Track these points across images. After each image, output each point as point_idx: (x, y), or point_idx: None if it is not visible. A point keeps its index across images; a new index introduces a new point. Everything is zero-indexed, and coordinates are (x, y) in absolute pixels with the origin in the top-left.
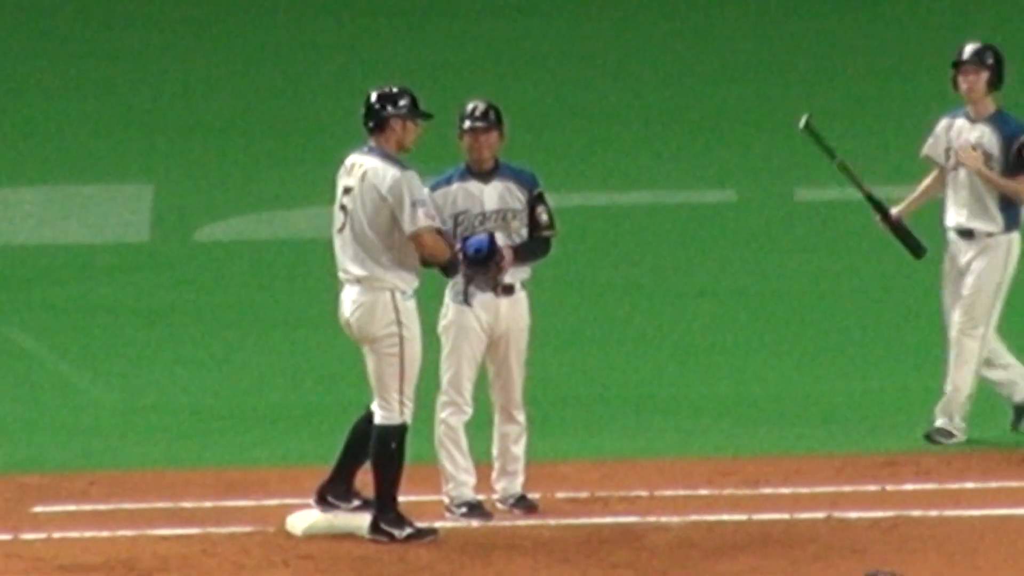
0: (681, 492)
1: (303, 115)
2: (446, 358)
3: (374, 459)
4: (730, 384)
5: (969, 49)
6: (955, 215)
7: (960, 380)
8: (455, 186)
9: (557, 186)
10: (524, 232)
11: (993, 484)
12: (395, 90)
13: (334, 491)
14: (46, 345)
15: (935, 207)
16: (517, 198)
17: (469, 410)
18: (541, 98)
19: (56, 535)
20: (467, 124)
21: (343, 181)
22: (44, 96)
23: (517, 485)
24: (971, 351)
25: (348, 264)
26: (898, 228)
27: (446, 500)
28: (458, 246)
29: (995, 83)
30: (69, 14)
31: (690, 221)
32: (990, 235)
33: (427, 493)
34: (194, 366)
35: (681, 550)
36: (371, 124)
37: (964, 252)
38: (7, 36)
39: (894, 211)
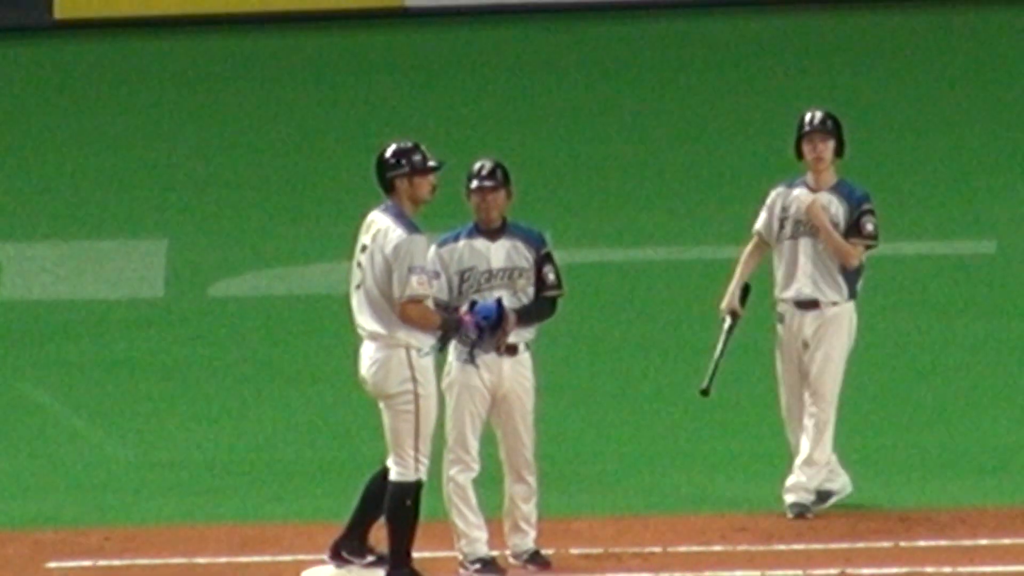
0: (695, 548)
1: (318, 171)
2: (450, 416)
3: (388, 515)
4: (744, 440)
5: (815, 116)
6: (795, 286)
7: (820, 453)
8: (462, 243)
9: (571, 242)
10: (530, 291)
11: (1006, 541)
12: (399, 148)
13: (348, 546)
14: (60, 401)
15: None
16: (524, 257)
17: (476, 467)
18: (556, 153)
19: None
20: (475, 184)
21: (361, 238)
22: (58, 151)
23: (529, 541)
24: (827, 423)
25: (364, 321)
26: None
27: (460, 556)
28: (464, 308)
29: (839, 151)
30: (84, 69)
31: (704, 277)
32: (835, 304)
33: (441, 549)
34: (208, 422)
35: None
36: (380, 186)
37: (807, 324)
38: (22, 91)
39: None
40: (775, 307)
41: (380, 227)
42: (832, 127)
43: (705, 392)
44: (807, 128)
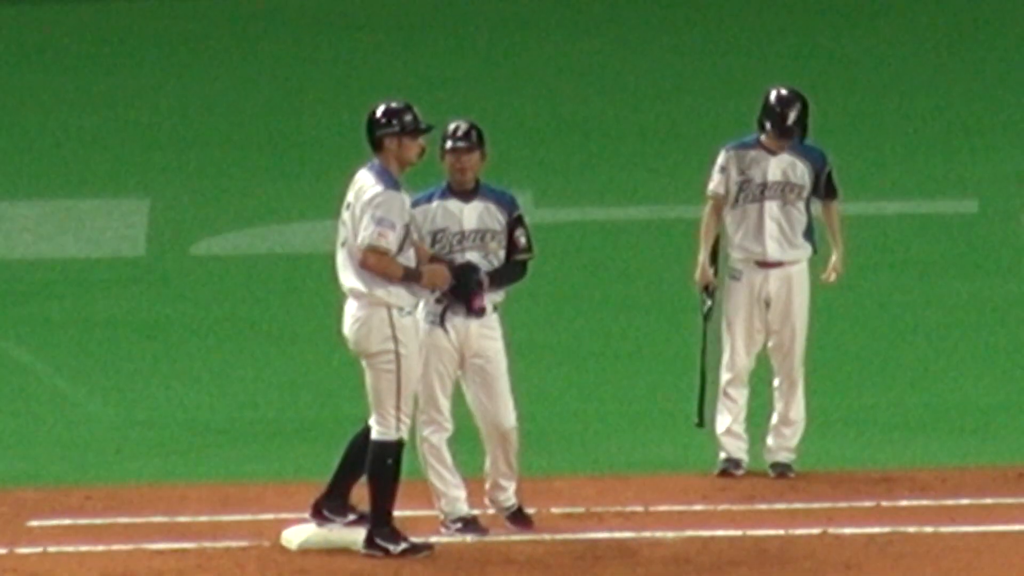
0: (676, 507)
1: (299, 129)
2: (420, 378)
3: (370, 474)
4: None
5: (789, 116)
6: (760, 249)
7: (796, 412)
8: (435, 204)
9: (553, 201)
10: (501, 254)
11: (988, 500)
12: (391, 107)
13: (330, 505)
14: (42, 359)
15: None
16: (496, 219)
17: (450, 426)
18: (538, 113)
19: (51, 549)
20: (449, 144)
21: (347, 195)
22: (40, 110)
23: (512, 496)
24: (798, 380)
25: (346, 279)
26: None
27: (440, 515)
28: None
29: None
30: (65, 28)
31: (686, 236)
32: (797, 263)
33: (422, 508)
34: (190, 380)
35: (676, 566)
36: (370, 144)
37: (771, 282)
38: (3, 50)
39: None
40: (727, 262)
41: (362, 184)
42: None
43: (700, 425)
44: (773, 102)
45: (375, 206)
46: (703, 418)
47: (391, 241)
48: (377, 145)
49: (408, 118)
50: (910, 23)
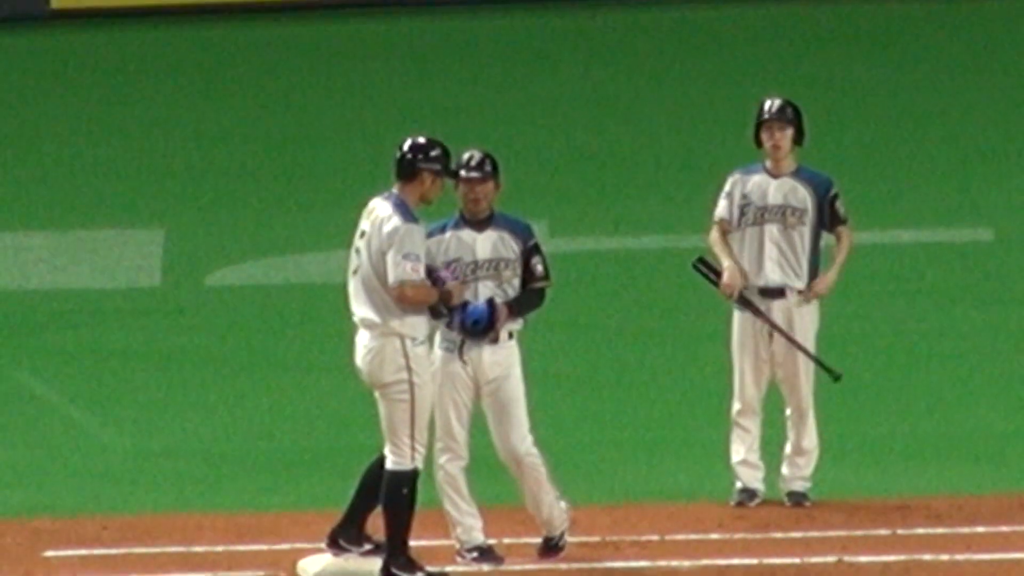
0: (692, 536)
1: (315, 160)
2: (436, 406)
3: (385, 504)
4: None
5: (774, 104)
6: (761, 273)
7: (808, 440)
8: (449, 234)
9: (568, 231)
10: (516, 283)
11: (1005, 528)
12: (438, 144)
13: (346, 535)
14: (57, 390)
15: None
16: (511, 248)
17: (465, 455)
18: (552, 142)
19: None
20: (463, 174)
21: (361, 223)
22: (55, 140)
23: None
24: (808, 409)
25: (359, 308)
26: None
27: (456, 545)
28: (455, 316)
29: (799, 139)
30: (81, 59)
31: None
32: (801, 291)
33: (438, 538)
34: (205, 411)
35: None
36: (400, 171)
37: (774, 313)
38: (19, 80)
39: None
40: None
41: (380, 214)
42: (791, 115)
43: (838, 377)
44: (765, 116)
45: (400, 240)
46: (830, 368)
47: (420, 272)
48: (412, 176)
49: (447, 161)
50: (924, 50)
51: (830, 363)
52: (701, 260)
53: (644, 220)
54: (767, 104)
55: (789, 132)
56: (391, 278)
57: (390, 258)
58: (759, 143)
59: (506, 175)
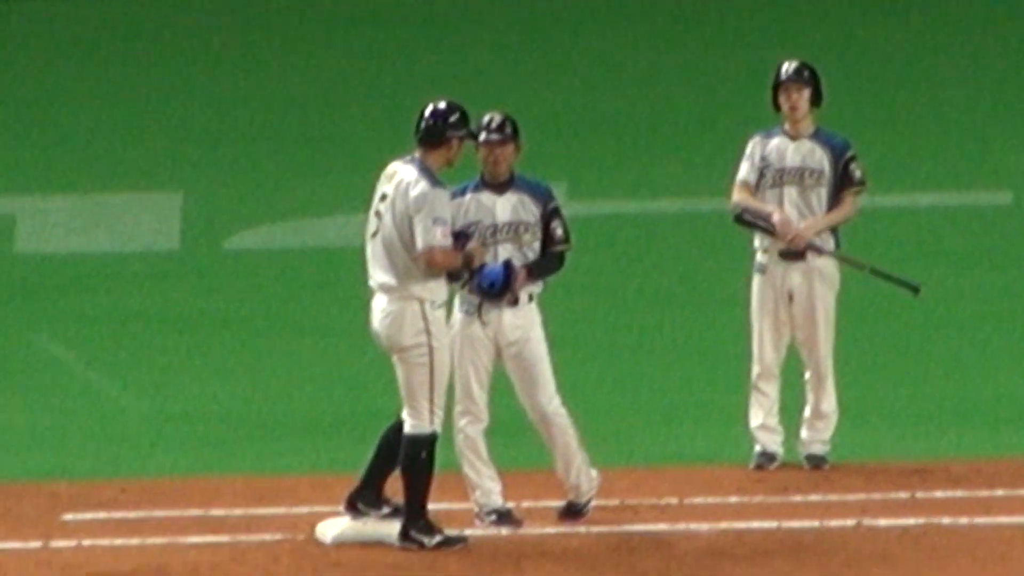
0: (711, 500)
1: (333, 124)
2: (455, 368)
3: (404, 467)
4: None
5: (791, 67)
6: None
7: (828, 404)
8: (469, 197)
9: (587, 194)
10: (536, 246)
11: (1023, 492)
12: (453, 106)
13: (364, 498)
14: (76, 353)
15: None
16: (531, 211)
17: (485, 418)
18: (571, 106)
19: (86, 543)
20: (483, 136)
21: (381, 187)
22: (73, 104)
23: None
24: (827, 373)
25: (378, 272)
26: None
27: (475, 508)
28: (473, 278)
29: (816, 101)
30: (98, 23)
31: (720, 228)
32: (821, 254)
33: (457, 501)
34: (224, 374)
35: (711, 558)
36: (427, 137)
37: (793, 275)
38: (37, 45)
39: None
40: (753, 257)
41: (404, 178)
42: (808, 77)
43: (917, 289)
44: (783, 78)
45: (430, 204)
46: (912, 283)
47: (449, 237)
48: (440, 142)
49: (471, 126)
50: (944, 14)
51: (905, 276)
52: (745, 210)
53: (663, 183)
54: (784, 66)
55: (806, 93)
56: (420, 243)
57: (419, 222)
58: (777, 107)
59: (526, 139)
